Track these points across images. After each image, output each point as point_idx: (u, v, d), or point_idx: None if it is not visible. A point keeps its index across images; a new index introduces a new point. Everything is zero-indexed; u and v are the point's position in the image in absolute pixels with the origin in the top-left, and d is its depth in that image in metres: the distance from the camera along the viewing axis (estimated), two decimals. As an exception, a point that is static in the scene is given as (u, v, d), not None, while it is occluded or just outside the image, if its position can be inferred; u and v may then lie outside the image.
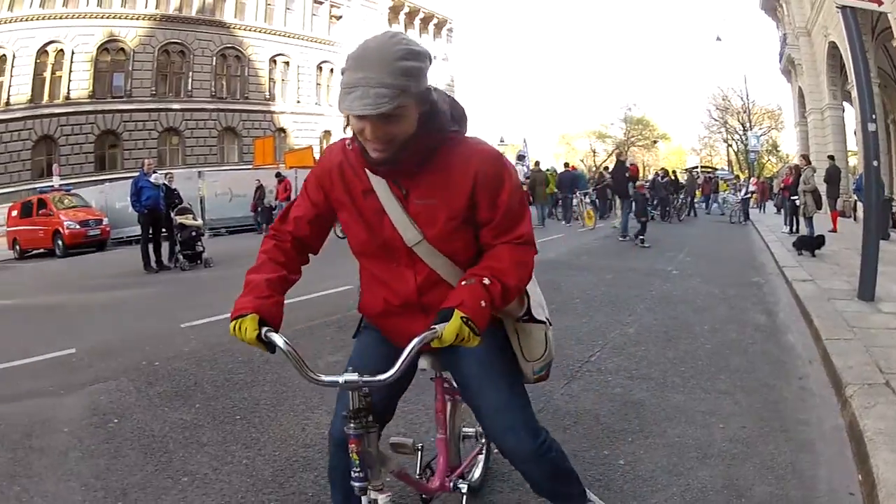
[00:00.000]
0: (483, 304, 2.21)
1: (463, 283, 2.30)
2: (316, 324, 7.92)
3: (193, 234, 16.14)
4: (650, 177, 26.31)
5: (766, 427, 4.55)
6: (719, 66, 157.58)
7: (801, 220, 18.79)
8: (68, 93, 42.99)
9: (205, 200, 29.22)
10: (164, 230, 16.25)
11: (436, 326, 2.15)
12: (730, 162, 70.60)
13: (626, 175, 19.36)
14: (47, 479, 4.21)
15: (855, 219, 24.32)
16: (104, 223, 26.68)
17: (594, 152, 79.90)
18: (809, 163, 20.33)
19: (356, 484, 2.20)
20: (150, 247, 15.89)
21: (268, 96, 52.54)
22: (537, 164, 29.83)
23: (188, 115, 47.89)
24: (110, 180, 35.18)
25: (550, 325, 2.76)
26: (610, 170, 26.04)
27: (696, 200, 34.71)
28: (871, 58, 21.43)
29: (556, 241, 18.84)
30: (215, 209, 29.55)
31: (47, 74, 42.26)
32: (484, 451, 3.59)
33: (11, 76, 40.71)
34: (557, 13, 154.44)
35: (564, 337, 6.98)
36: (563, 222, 26.69)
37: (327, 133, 55.37)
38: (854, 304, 8.12)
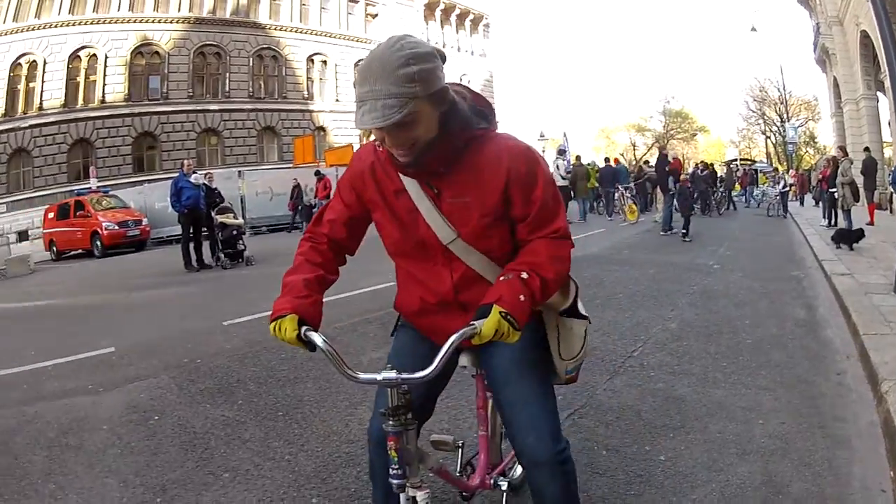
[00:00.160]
0: (522, 298, 2.20)
1: (501, 279, 2.29)
2: (358, 321, 7.92)
3: (234, 232, 16.25)
4: (689, 170, 26.00)
5: (804, 423, 4.54)
6: (755, 57, 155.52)
7: (840, 212, 18.56)
8: (103, 96, 43.53)
9: (245, 200, 29.47)
10: (204, 229, 16.33)
11: (474, 323, 2.14)
12: (768, 154, 69.68)
13: (666, 169, 19.25)
14: (84, 476, 4.25)
15: (891, 211, 24.02)
16: (143, 223, 27.10)
17: (634, 146, 79.15)
18: (847, 154, 19.99)
19: (394, 481, 2.20)
20: (191, 246, 15.99)
21: (306, 95, 52.58)
22: (578, 158, 29.65)
23: (226, 116, 48.16)
24: (148, 181, 35.58)
25: (590, 322, 2.74)
26: (650, 164, 25.86)
27: (735, 194, 34.38)
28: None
29: (598, 235, 18.82)
30: (256, 208, 29.85)
31: (81, 79, 42.90)
32: None
33: (43, 82, 41.43)
34: (594, 5, 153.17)
35: (608, 332, 7.02)
36: (606, 217, 26.52)
37: (366, 131, 55.03)
38: (891, 299, 8.02)
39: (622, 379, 5.60)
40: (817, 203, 28.28)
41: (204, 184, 16.46)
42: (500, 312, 2.14)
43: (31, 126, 41.06)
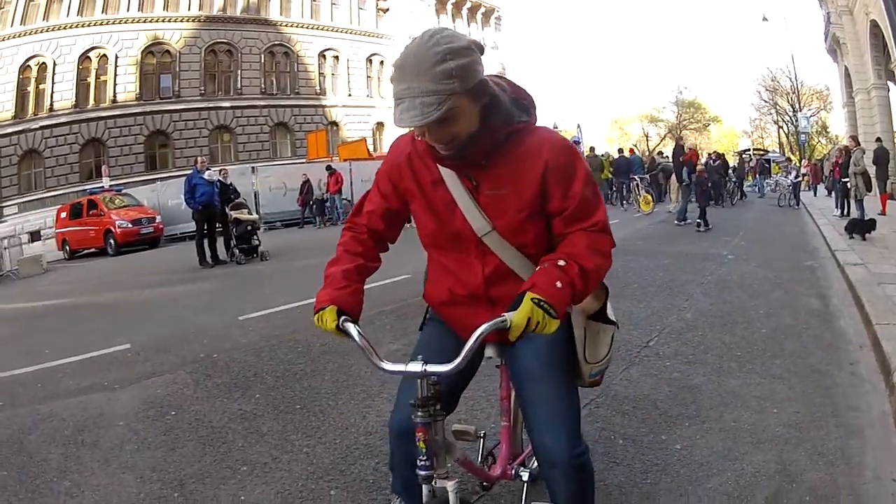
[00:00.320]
0: (559, 284, 2.12)
1: (537, 269, 2.24)
2: (374, 313, 7.94)
3: (249, 228, 16.28)
4: (703, 160, 25.88)
5: (817, 413, 4.56)
6: (767, 46, 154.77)
7: (852, 202, 18.48)
8: (114, 96, 43.77)
9: (259, 195, 29.48)
10: (218, 225, 16.37)
11: (505, 315, 2.07)
12: (781, 144, 69.34)
13: (680, 159, 19.21)
14: (99, 473, 4.26)
15: (904, 201, 23.93)
16: (157, 221, 27.17)
17: (647, 136, 78.99)
18: (858, 144, 19.87)
19: (422, 472, 2.17)
20: (206, 242, 16.01)
21: (318, 90, 52.63)
22: (592, 149, 29.61)
23: (239, 113, 48.31)
24: (161, 179, 35.64)
25: (618, 328, 2.71)
26: (664, 154, 25.71)
27: (748, 184, 34.24)
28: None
29: (613, 226, 18.19)
30: (270, 203, 29.84)
31: (91, 79, 43.18)
32: None
33: (53, 83, 41.65)
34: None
35: (623, 322, 6.90)
36: (620, 207, 26.43)
37: (380, 125, 55.49)
38: (903, 289, 8.01)
39: (638, 369, 5.62)
40: (830, 193, 28.16)
41: (219, 180, 16.47)
42: (533, 299, 2.07)
43: (42, 127, 41.31)
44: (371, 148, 43.42)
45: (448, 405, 2.44)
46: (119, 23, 43.52)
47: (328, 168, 28.87)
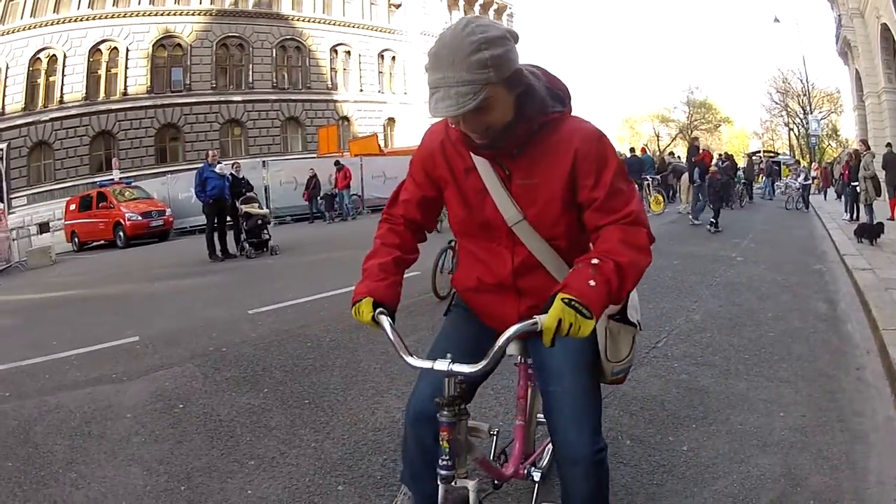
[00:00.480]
0: (592, 283, 2.04)
1: (570, 270, 2.19)
2: None
3: (259, 222, 16.24)
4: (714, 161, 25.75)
5: (823, 417, 4.56)
6: (778, 48, 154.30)
7: (861, 207, 18.39)
8: (125, 89, 43.83)
9: (269, 189, 29.43)
10: (229, 219, 16.38)
11: (536, 317, 2.02)
12: (791, 146, 69.15)
13: (693, 160, 19.21)
14: (106, 464, 4.27)
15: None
16: (167, 214, 27.18)
17: (658, 136, 78.90)
18: (869, 148, 19.82)
19: (443, 472, 2.16)
20: (216, 236, 16.05)
21: (330, 85, 52.60)
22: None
23: (250, 107, 48.34)
24: (172, 172, 35.66)
25: (640, 329, 2.70)
26: (675, 154, 25.63)
27: (757, 187, 34.14)
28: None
29: None
30: (280, 198, 29.78)
31: (102, 72, 43.23)
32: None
33: (63, 75, 41.74)
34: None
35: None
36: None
37: (391, 120, 55.60)
38: (910, 295, 7.99)
39: (646, 370, 5.62)
40: (839, 196, 28.05)
41: (231, 173, 16.51)
42: (563, 299, 2.00)
43: (52, 119, 41.39)
44: (382, 143, 43.44)
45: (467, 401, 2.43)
46: (130, 16, 43.62)
47: (336, 163, 28.78)
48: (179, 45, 45.79)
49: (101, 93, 43.15)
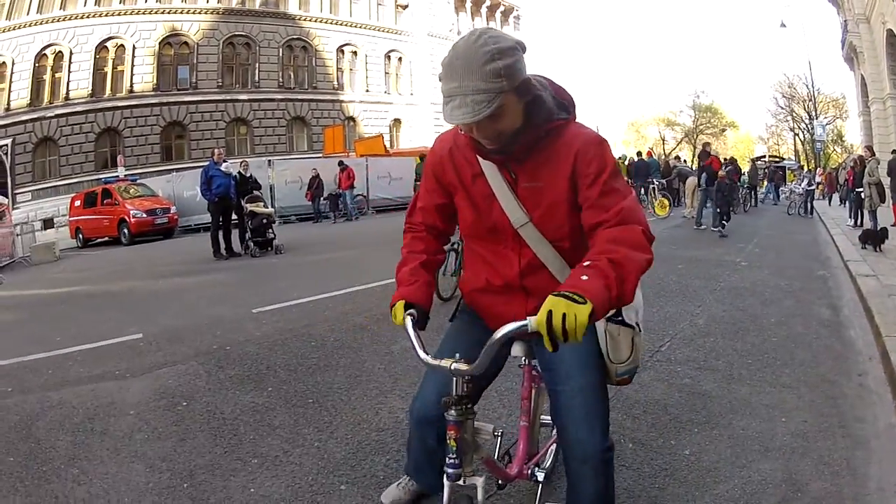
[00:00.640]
0: (584, 277, 2.04)
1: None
2: (385, 312, 7.88)
3: (264, 221, 16.22)
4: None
5: (825, 423, 4.56)
6: (784, 52, 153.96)
7: (866, 213, 18.38)
8: (131, 86, 43.83)
9: (274, 189, 29.42)
10: (234, 218, 16.38)
11: (528, 318, 2.00)
12: (797, 151, 69.12)
13: (702, 164, 19.24)
14: (108, 461, 4.26)
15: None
16: (172, 211, 27.19)
17: (663, 140, 78.95)
18: (874, 154, 19.82)
19: (450, 470, 2.22)
20: (220, 234, 16.02)
21: (336, 85, 52.62)
22: (609, 151, 29.52)
23: (256, 106, 48.34)
24: (177, 170, 35.73)
25: (640, 331, 2.70)
26: (680, 158, 25.57)
27: (759, 192, 34.11)
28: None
29: None
30: (285, 197, 29.75)
31: (108, 69, 43.19)
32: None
33: (69, 72, 41.76)
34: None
35: (637, 326, 7.00)
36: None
37: (397, 121, 55.68)
38: (913, 302, 7.99)
39: (649, 373, 5.62)
40: (843, 202, 28.02)
41: (239, 172, 16.53)
42: (555, 293, 1.98)
43: (58, 115, 41.39)
44: (388, 144, 43.48)
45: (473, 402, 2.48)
46: (137, 13, 43.68)
47: (340, 163, 28.79)
48: (186, 43, 45.82)
49: (107, 90, 43.14)
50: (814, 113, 60.27)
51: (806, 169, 42.85)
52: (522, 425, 2.98)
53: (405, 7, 56.54)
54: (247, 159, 20.16)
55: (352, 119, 52.84)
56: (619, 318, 2.63)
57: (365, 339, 6.94)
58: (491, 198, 2.48)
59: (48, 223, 38.21)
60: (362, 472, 3.92)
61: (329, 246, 17.92)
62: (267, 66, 48.96)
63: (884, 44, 30.28)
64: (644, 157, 29.33)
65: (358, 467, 4.00)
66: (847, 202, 23.31)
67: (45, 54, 41.03)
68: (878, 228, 14.08)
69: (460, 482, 2.25)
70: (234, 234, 16.46)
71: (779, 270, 11.24)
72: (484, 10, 61.97)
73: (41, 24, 40.69)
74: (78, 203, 29.34)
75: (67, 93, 41.75)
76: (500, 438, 3.06)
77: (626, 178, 26.71)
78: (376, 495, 3.51)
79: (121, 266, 17.64)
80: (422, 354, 2.27)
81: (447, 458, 2.23)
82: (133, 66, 43.70)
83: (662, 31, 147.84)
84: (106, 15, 42.63)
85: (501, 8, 63.93)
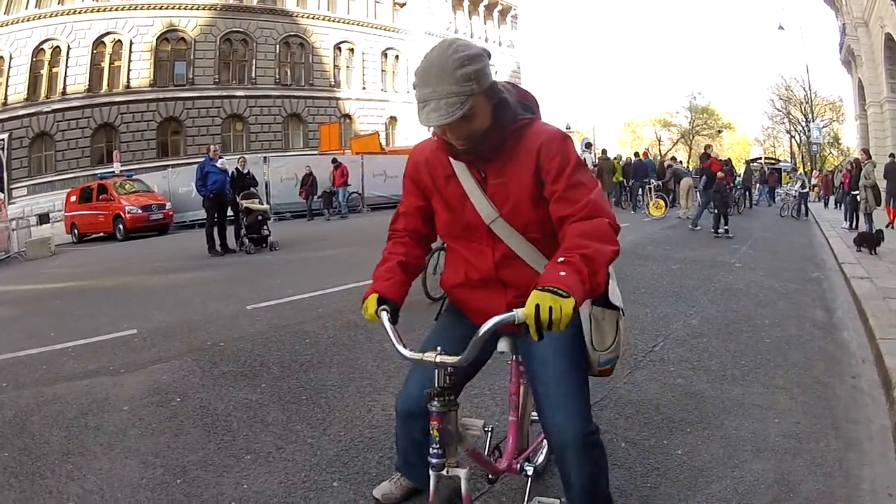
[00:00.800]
0: (563, 273, 2.13)
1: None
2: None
3: (259, 217, 16.19)
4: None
5: (818, 424, 4.57)
6: (782, 55, 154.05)
7: (861, 215, 18.46)
8: (128, 82, 43.92)
9: (270, 185, 29.43)
10: (229, 214, 16.35)
11: (515, 310, 2.10)
12: (793, 154, 69.24)
13: (702, 166, 19.29)
14: (102, 456, 4.25)
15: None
16: (167, 208, 27.20)
17: (659, 140, 79.09)
18: (870, 157, 19.89)
19: (433, 461, 2.28)
20: (216, 230, 15.98)
21: (333, 83, 52.62)
22: (604, 151, 29.67)
23: (252, 102, 48.35)
24: (173, 166, 35.70)
25: (624, 315, 2.82)
26: (676, 159, 25.61)
27: (755, 194, 34.17)
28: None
29: (623, 230, 18.40)
30: (280, 194, 29.77)
31: (105, 64, 43.34)
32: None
33: (67, 67, 41.88)
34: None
35: (630, 326, 6.91)
36: (631, 211, 26.43)
37: (393, 119, 55.61)
38: (908, 304, 8.00)
39: (642, 373, 5.65)
40: (838, 205, 28.07)
41: (237, 168, 16.54)
42: (538, 288, 2.09)
43: (54, 110, 41.50)
44: (384, 142, 43.47)
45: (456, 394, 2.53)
46: (134, 8, 43.69)
47: (334, 161, 28.86)
48: (183, 39, 45.82)
49: (103, 85, 43.20)
50: (810, 116, 60.33)
51: (800, 171, 42.82)
52: (511, 420, 3.06)
53: (402, 5, 56.56)
54: (244, 156, 20.13)
55: (348, 116, 52.87)
56: (604, 301, 2.73)
57: (358, 336, 6.93)
58: (463, 197, 2.62)
59: (44, 218, 38.15)
60: (355, 469, 3.92)
61: (323, 243, 17.91)
62: (264, 62, 48.93)
63: (882, 48, 30.38)
64: (641, 157, 29.41)
65: (350, 464, 4.00)
66: (843, 205, 23.33)
67: (42, 49, 41.10)
68: (874, 231, 14.11)
69: (444, 472, 2.32)
70: (230, 230, 16.40)
71: (773, 272, 11.28)
72: (481, 8, 62.00)
73: (39, 18, 40.72)
74: (73, 198, 29.42)
75: (64, 88, 41.80)
76: (490, 434, 3.15)
77: (621, 178, 26.96)
78: (368, 491, 3.51)
79: (116, 262, 17.59)
80: (400, 349, 2.36)
81: (430, 449, 2.30)
82: (130, 61, 43.75)
83: (659, 32, 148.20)
84: (103, 10, 42.67)
85: (499, 7, 63.93)
